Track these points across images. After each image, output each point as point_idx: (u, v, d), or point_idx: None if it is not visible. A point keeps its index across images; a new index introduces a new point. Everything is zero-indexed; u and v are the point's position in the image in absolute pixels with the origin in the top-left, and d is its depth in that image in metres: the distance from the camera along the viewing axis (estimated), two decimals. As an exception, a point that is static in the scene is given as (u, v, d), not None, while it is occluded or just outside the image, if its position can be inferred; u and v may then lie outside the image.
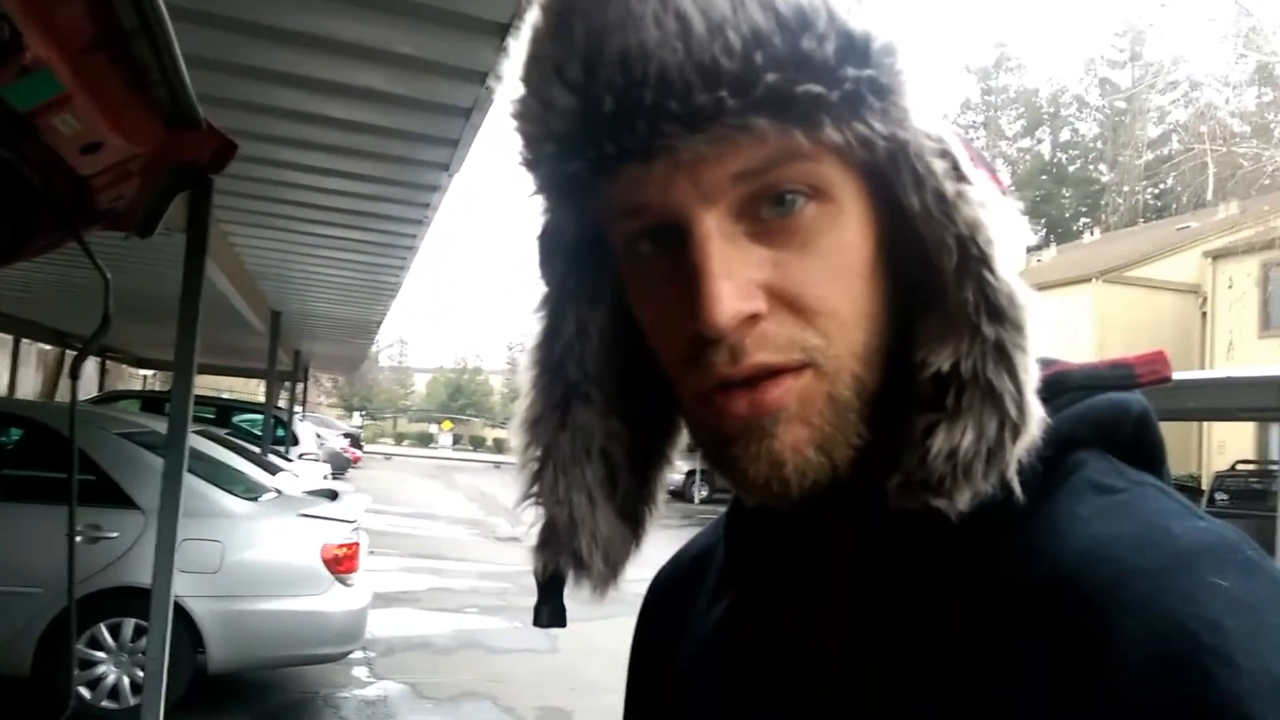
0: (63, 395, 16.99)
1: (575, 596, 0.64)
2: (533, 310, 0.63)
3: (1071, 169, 53.95)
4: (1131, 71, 49.58)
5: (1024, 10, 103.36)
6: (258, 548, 5.62)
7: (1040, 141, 55.98)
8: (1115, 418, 0.55)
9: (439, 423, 57.63)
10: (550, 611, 0.65)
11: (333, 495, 6.85)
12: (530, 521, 0.62)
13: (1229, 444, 21.07)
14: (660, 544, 0.72)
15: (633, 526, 0.64)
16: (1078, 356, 0.59)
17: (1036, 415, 0.49)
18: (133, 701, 5.27)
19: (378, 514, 14.61)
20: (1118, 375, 0.56)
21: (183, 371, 3.08)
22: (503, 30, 3.16)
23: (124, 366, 23.18)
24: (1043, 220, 50.05)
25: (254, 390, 30.72)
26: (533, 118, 0.53)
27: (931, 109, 0.52)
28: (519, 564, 12.63)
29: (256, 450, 9.79)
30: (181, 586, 4.10)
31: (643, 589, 0.79)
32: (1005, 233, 0.51)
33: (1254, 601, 0.44)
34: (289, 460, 12.00)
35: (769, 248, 0.51)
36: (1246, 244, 20.53)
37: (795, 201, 0.51)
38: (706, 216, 0.50)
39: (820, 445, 0.52)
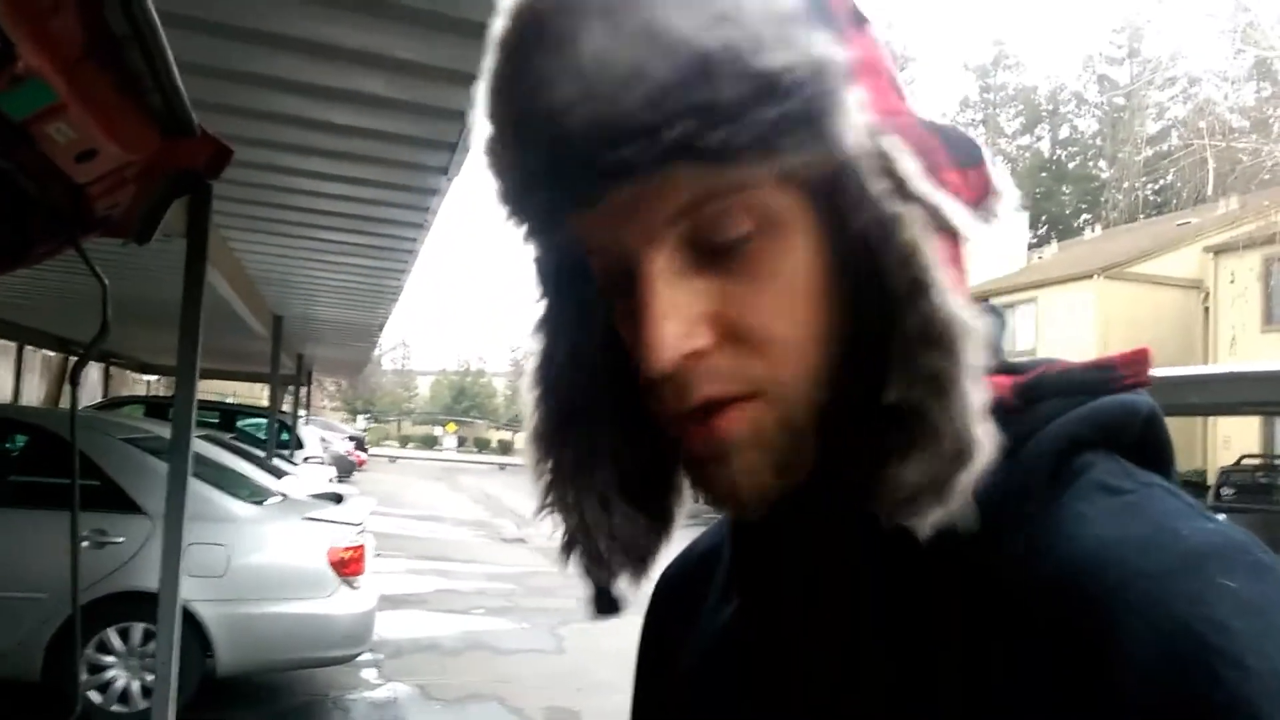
0: (67, 401, 17.00)
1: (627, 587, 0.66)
2: (531, 333, 0.65)
3: (1071, 166, 53.94)
4: (1130, 68, 49.57)
5: (1022, 8, 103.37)
6: (264, 551, 5.63)
7: (1039, 139, 55.99)
8: (1123, 419, 0.55)
9: (443, 425, 57.72)
10: (602, 600, 0.66)
11: (338, 498, 6.86)
12: (537, 524, 0.64)
13: (1234, 439, 21.03)
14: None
15: (659, 519, 0.64)
16: (1080, 353, 0.58)
17: (983, 445, 0.48)
18: (142, 705, 5.28)
19: (383, 516, 14.64)
20: (1094, 380, 0.54)
21: (185, 377, 3.09)
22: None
23: (128, 372, 23.21)
24: (1043, 217, 50.03)
25: (258, 395, 30.75)
26: (489, 165, 0.56)
27: (869, 126, 0.50)
28: (525, 565, 12.64)
29: (261, 454, 9.80)
30: (189, 590, 4.10)
31: (648, 589, 0.79)
32: (954, 252, 0.51)
33: (1263, 603, 0.44)
34: (293, 464, 12.01)
35: (717, 277, 0.52)
36: (1248, 239, 20.50)
37: (737, 232, 0.51)
38: (652, 255, 0.51)
39: (775, 468, 0.53)
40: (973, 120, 55.76)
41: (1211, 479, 17.56)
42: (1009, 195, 0.55)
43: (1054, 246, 35.40)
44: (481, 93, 0.56)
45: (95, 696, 5.28)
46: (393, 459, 41.57)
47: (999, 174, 0.56)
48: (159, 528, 3.36)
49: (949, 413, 0.48)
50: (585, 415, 0.63)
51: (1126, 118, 46.56)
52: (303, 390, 18.63)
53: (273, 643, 5.57)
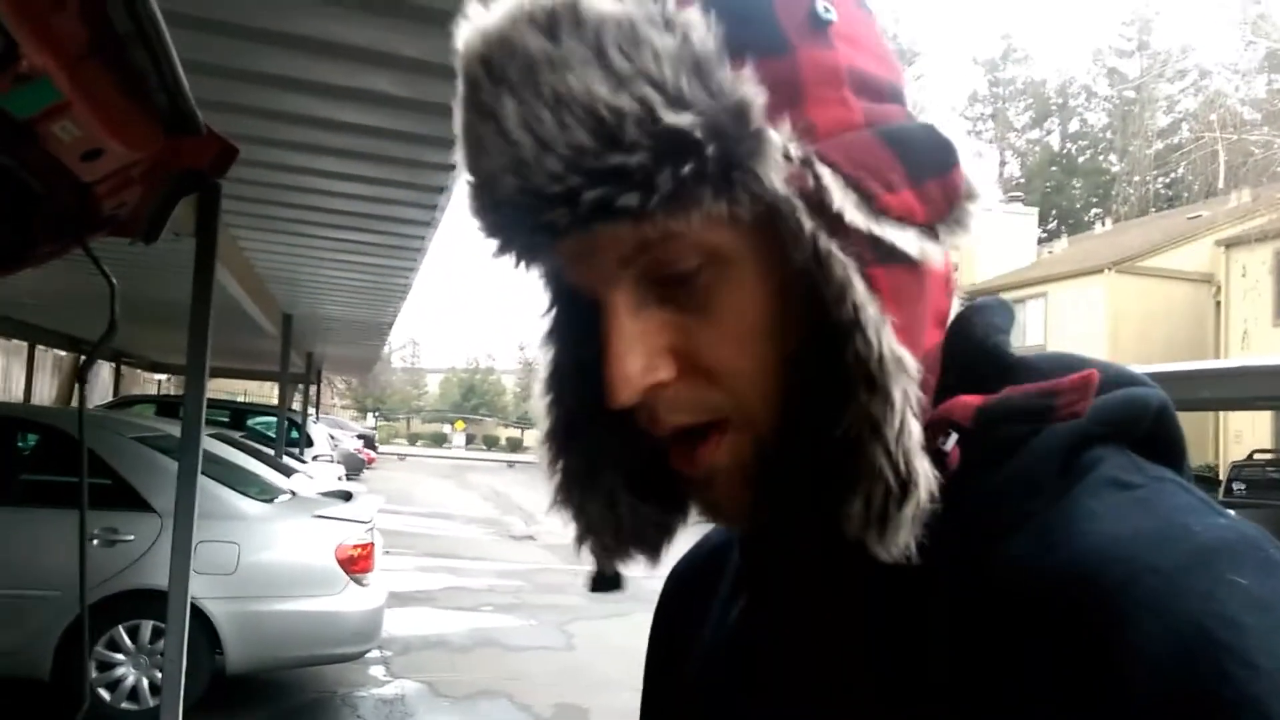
0: (77, 400, 17.10)
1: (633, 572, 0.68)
2: (540, 344, 0.66)
3: (1081, 160, 53.73)
4: (1140, 60, 49.34)
5: (1030, 1, 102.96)
6: (273, 549, 5.65)
7: (1049, 133, 55.76)
8: (1133, 413, 0.54)
9: (452, 423, 57.82)
10: (602, 576, 0.67)
11: (347, 496, 6.88)
12: (546, 521, 0.66)
13: (1245, 434, 20.96)
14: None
15: (671, 507, 0.65)
16: (1091, 348, 0.57)
17: (921, 481, 0.49)
18: (152, 703, 5.30)
19: (393, 514, 14.68)
20: (1036, 408, 0.51)
21: (195, 375, 3.10)
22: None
23: (139, 371, 23.32)
24: (1054, 212, 49.85)
25: (268, 393, 30.86)
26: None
27: (801, 158, 0.49)
28: (534, 562, 12.66)
29: (271, 452, 9.84)
30: (198, 588, 4.12)
31: (658, 585, 0.79)
32: (906, 279, 0.51)
33: (1274, 600, 0.43)
34: (303, 462, 12.06)
35: (677, 311, 0.53)
36: (1260, 232, 20.42)
37: (687, 266, 0.52)
38: (614, 293, 0.53)
39: (756, 491, 0.55)
40: (982, 114, 55.65)
41: (1223, 474, 17.51)
42: (989, 194, 0.54)
43: (1064, 241, 35.22)
44: None
45: (105, 694, 5.31)
46: (402, 457, 41.67)
47: (978, 174, 0.55)
48: (169, 526, 3.37)
49: (886, 448, 0.49)
50: (591, 421, 0.63)
51: (1137, 111, 46.39)
52: (312, 388, 18.71)
53: (282, 640, 5.59)
